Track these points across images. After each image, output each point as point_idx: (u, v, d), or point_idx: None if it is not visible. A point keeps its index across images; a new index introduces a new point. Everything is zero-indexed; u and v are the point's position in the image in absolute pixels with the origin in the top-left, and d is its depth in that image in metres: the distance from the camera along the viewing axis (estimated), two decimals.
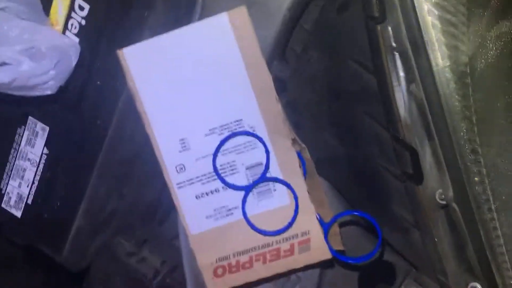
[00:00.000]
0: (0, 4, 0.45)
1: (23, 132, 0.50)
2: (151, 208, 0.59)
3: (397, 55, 0.40)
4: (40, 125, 0.49)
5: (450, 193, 0.41)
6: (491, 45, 0.39)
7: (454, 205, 0.42)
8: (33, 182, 0.50)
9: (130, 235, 0.55)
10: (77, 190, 0.50)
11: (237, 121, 0.44)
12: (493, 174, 0.41)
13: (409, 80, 0.40)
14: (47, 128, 0.49)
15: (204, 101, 0.43)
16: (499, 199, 0.42)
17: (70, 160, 0.49)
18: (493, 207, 0.41)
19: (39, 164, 0.50)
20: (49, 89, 0.44)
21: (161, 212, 0.61)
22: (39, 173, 0.50)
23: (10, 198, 0.52)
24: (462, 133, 0.40)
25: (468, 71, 0.39)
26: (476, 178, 0.41)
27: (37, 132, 0.49)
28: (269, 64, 0.45)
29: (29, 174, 0.50)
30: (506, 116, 0.42)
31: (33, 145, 0.50)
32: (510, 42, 0.40)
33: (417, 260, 0.49)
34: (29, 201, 0.51)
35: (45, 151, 0.49)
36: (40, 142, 0.49)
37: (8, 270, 0.63)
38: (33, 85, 0.43)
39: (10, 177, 0.51)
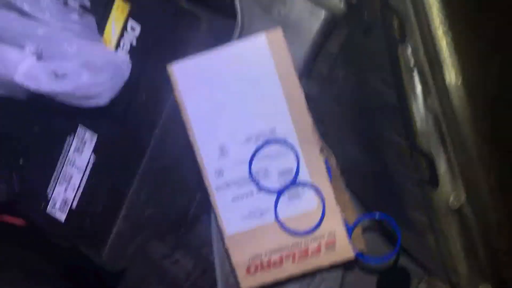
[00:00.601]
0: (60, 25, 0.51)
1: (73, 140, 0.54)
2: (180, 216, 0.63)
3: (415, 72, 0.45)
4: (88, 133, 0.54)
5: (463, 198, 0.46)
6: (498, 66, 0.45)
7: (467, 208, 0.46)
8: (78, 188, 0.55)
9: (163, 239, 0.59)
10: (119, 196, 0.54)
11: (271, 130, 0.49)
12: (501, 182, 0.46)
13: (426, 95, 0.45)
14: (95, 137, 0.53)
15: (242, 112, 0.49)
16: (508, 206, 0.46)
17: (115, 167, 0.54)
18: (502, 212, 0.46)
19: (85, 170, 0.54)
20: (103, 100, 0.49)
21: (188, 221, 0.65)
22: (84, 179, 0.54)
23: (55, 202, 0.56)
24: (473, 143, 0.45)
25: (478, 88, 0.44)
26: (486, 185, 0.45)
27: (85, 141, 0.54)
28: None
29: (75, 180, 0.55)
30: None
31: (81, 153, 0.54)
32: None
33: (431, 263, 0.53)
34: (73, 206, 0.55)
35: (92, 159, 0.54)
36: (88, 150, 0.54)
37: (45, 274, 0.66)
38: (91, 95, 0.48)
39: (57, 183, 0.56)
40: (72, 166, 0.55)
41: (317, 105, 0.53)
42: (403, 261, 0.55)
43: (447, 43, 0.43)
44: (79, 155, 0.54)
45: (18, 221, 0.59)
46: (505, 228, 0.46)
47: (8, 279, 0.64)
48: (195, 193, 0.60)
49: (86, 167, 0.54)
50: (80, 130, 0.54)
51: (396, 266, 0.54)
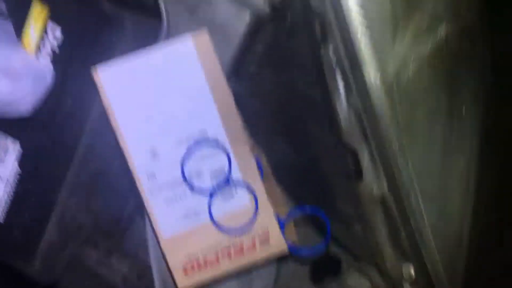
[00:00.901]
0: None
1: None
2: (113, 221, 0.62)
3: (337, 72, 0.47)
4: (10, 141, 0.52)
5: (385, 188, 0.49)
6: (410, 65, 0.48)
7: (388, 198, 0.49)
8: (4, 201, 0.53)
9: (96, 246, 0.58)
10: (48, 205, 0.52)
11: (201, 131, 0.49)
12: (418, 171, 0.49)
13: (348, 93, 0.47)
14: (17, 144, 0.51)
15: (171, 114, 0.49)
16: (424, 192, 0.50)
17: (41, 176, 0.52)
18: (420, 199, 0.49)
19: (9, 181, 0.52)
20: (24, 109, 0.48)
21: (122, 225, 0.64)
22: (9, 190, 0.52)
23: None
24: (391, 137, 0.48)
25: (394, 85, 0.47)
26: (404, 174, 0.49)
27: (7, 149, 0.52)
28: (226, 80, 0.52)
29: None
30: (425, 122, 0.51)
31: (3, 162, 0.52)
32: (425, 64, 0.49)
33: (359, 250, 0.56)
34: (1, 220, 0.53)
35: (17, 169, 0.52)
36: (11, 158, 0.52)
37: None
38: (10, 103, 0.46)
39: None
40: None
41: (246, 104, 0.54)
42: (334, 250, 0.57)
43: (365, 43, 0.45)
44: (2, 164, 0.52)
45: None
46: (422, 214, 0.50)
47: None
48: (128, 197, 0.59)
49: (10, 177, 0.52)
50: (1, 138, 0.52)
51: (328, 255, 0.57)
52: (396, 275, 0.54)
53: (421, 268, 0.51)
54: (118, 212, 0.61)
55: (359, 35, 0.45)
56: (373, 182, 0.49)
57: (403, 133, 0.48)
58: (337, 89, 0.48)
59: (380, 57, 0.46)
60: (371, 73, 0.46)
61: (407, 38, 0.48)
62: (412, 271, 0.52)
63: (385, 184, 0.49)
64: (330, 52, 0.47)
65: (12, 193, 0.52)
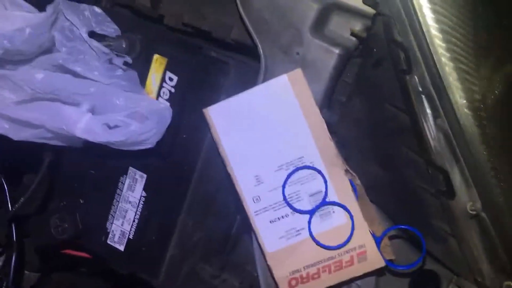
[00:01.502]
0: (107, 81, 0.58)
1: (125, 180, 0.62)
2: (223, 240, 0.70)
3: (424, 97, 0.50)
4: (139, 173, 0.61)
5: (479, 204, 0.51)
6: (497, 84, 0.50)
7: (483, 214, 0.51)
8: (133, 221, 0.62)
9: (210, 262, 0.65)
10: (170, 225, 0.61)
11: (299, 158, 0.55)
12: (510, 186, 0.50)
13: (435, 116, 0.50)
14: (145, 176, 0.61)
15: (272, 144, 0.55)
16: None
17: (164, 200, 0.61)
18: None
19: (138, 205, 0.62)
20: (150, 144, 0.56)
21: (231, 243, 0.72)
22: (138, 212, 0.62)
23: (114, 235, 0.63)
24: (482, 155, 0.50)
25: (482, 106, 0.50)
26: (498, 190, 0.50)
27: (137, 179, 0.61)
28: (320, 111, 0.57)
29: (130, 214, 0.62)
30: None
31: (133, 190, 0.61)
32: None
33: (457, 266, 0.58)
34: (131, 236, 0.62)
35: (143, 194, 0.61)
36: (139, 187, 0.61)
37: None
38: (140, 141, 0.55)
39: (114, 217, 0.63)
40: (127, 202, 0.62)
41: (338, 131, 0.59)
42: (432, 264, 0.59)
43: (449, 69, 0.48)
44: (132, 192, 0.61)
45: (83, 254, 0.66)
46: None
47: None
48: (236, 216, 0.66)
49: (139, 202, 0.61)
50: (131, 170, 0.61)
51: (426, 270, 0.59)
52: None
53: None
54: (228, 230, 0.68)
55: (443, 64, 0.49)
56: (466, 200, 0.51)
57: (493, 151, 0.50)
58: (425, 113, 0.51)
59: (465, 80, 0.48)
60: (457, 97, 0.49)
61: (491, 60, 0.50)
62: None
63: (479, 201, 0.51)
64: (415, 81, 0.51)
65: (140, 215, 0.61)
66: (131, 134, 0.55)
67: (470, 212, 0.51)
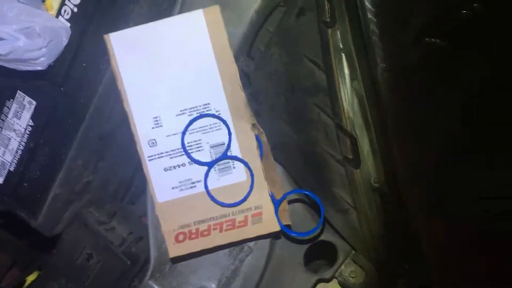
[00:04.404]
0: None
1: (12, 104, 0.55)
2: (122, 186, 0.64)
3: (343, 55, 0.47)
4: (27, 99, 0.54)
5: (382, 177, 0.48)
6: (418, 53, 0.47)
7: (386, 188, 0.49)
8: (16, 152, 0.55)
9: (101, 208, 0.60)
10: (56, 161, 0.55)
11: (205, 104, 0.50)
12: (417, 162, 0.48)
13: (353, 78, 0.47)
14: (34, 103, 0.54)
15: (177, 85, 0.50)
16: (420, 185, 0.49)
17: (53, 133, 0.54)
18: (416, 191, 0.48)
19: (23, 135, 0.55)
20: (39, 65, 0.50)
21: (132, 192, 0.66)
22: (23, 143, 0.55)
23: None
24: (393, 127, 0.47)
25: (400, 72, 0.46)
26: (403, 166, 0.48)
27: (25, 105, 0.54)
28: (236, 58, 0.52)
29: (14, 144, 0.55)
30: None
31: (19, 117, 0.55)
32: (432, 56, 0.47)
33: (355, 241, 0.56)
34: (12, 169, 0.56)
35: (30, 123, 0.54)
36: (27, 114, 0.54)
37: None
38: (26, 59, 0.48)
39: None
40: (11, 130, 0.55)
41: (254, 82, 0.55)
42: (331, 236, 0.57)
43: (373, 30, 0.45)
44: (18, 119, 0.55)
45: None
46: (420, 209, 0.49)
47: None
48: (134, 161, 0.61)
49: (24, 132, 0.55)
50: (19, 94, 0.54)
51: (324, 242, 0.57)
52: (391, 271, 0.53)
53: (416, 265, 0.50)
54: (128, 179, 0.63)
55: (369, 18, 0.45)
56: (371, 171, 0.49)
57: (404, 124, 0.47)
58: (342, 73, 0.48)
59: (389, 42, 0.45)
60: (378, 58, 0.45)
61: (414, 26, 0.47)
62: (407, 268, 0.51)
63: (383, 174, 0.48)
64: (337, 36, 0.47)
65: (24, 145, 0.55)
66: (16, 49, 0.48)
67: (373, 184, 0.49)
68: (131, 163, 0.62)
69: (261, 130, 0.51)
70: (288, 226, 0.53)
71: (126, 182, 0.65)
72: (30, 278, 0.71)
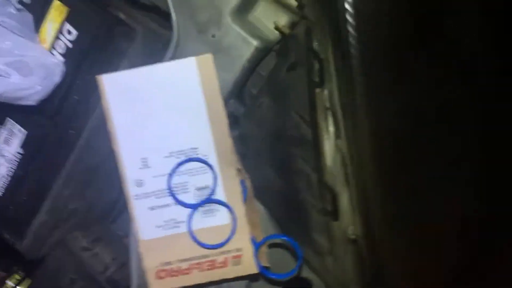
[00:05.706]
0: None
1: (2, 131, 0.55)
2: (106, 209, 0.66)
3: (329, 114, 0.48)
4: (18, 127, 0.55)
5: (359, 232, 0.50)
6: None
7: (361, 241, 0.51)
8: (4, 177, 0.56)
9: (86, 233, 0.61)
10: (44, 189, 0.56)
11: (193, 148, 0.51)
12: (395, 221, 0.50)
13: (337, 136, 0.48)
14: (25, 132, 0.55)
15: (166, 128, 0.51)
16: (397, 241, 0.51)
17: (42, 162, 0.55)
18: (391, 246, 0.50)
19: (12, 161, 0.56)
20: (32, 101, 0.50)
21: (115, 212, 0.68)
22: (12, 170, 0.56)
23: None
24: (372, 187, 0.49)
25: (383, 138, 0.48)
26: (380, 224, 0.50)
27: (15, 133, 0.55)
28: (227, 101, 0.53)
29: (2, 169, 0.56)
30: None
31: (9, 144, 0.55)
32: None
33: (331, 283, 0.58)
34: None
35: (20, 151, 0.55)
36: (17, 142, 0.55)
37: None
38: (19, 97, 0.49)
39: None
40: (0, 156, 0.56)
41: (241, 125, 0.56)
42: (309, 273, 0.59)
43: (360, 94, 0.46)
44: (8, 146, 0.55)
45: None
46: (393, 262, 0.51)
47: None
48: (119, 192, 0.62)
49: (14, 159, 0.55)
50: (10, 122, 0.55)
51: (301, 278, 0.59)
52: None
53: None
54: (112, 202, 0.64)
55: (356, 81, 0.46)
56: (348, 224, 0.50)
57: (383, 186, 0.49)
58: (327, 131, 0.49)
59: (375, 110, 0.46)
60: (364, 122, 0.47)
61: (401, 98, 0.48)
62: None
63: (360, 229, 0.50)
64: (325, 95, 0.48)
65: (12, 172, 0.56)
66: (9, 87, 0.48)
67: (350, 236, 0.51)
68: (117, 187, 0.63)
69: (246, 175, 0.52)
70: (266, 268, 0.55)
71: (111, 203, 0.66)
72: None
